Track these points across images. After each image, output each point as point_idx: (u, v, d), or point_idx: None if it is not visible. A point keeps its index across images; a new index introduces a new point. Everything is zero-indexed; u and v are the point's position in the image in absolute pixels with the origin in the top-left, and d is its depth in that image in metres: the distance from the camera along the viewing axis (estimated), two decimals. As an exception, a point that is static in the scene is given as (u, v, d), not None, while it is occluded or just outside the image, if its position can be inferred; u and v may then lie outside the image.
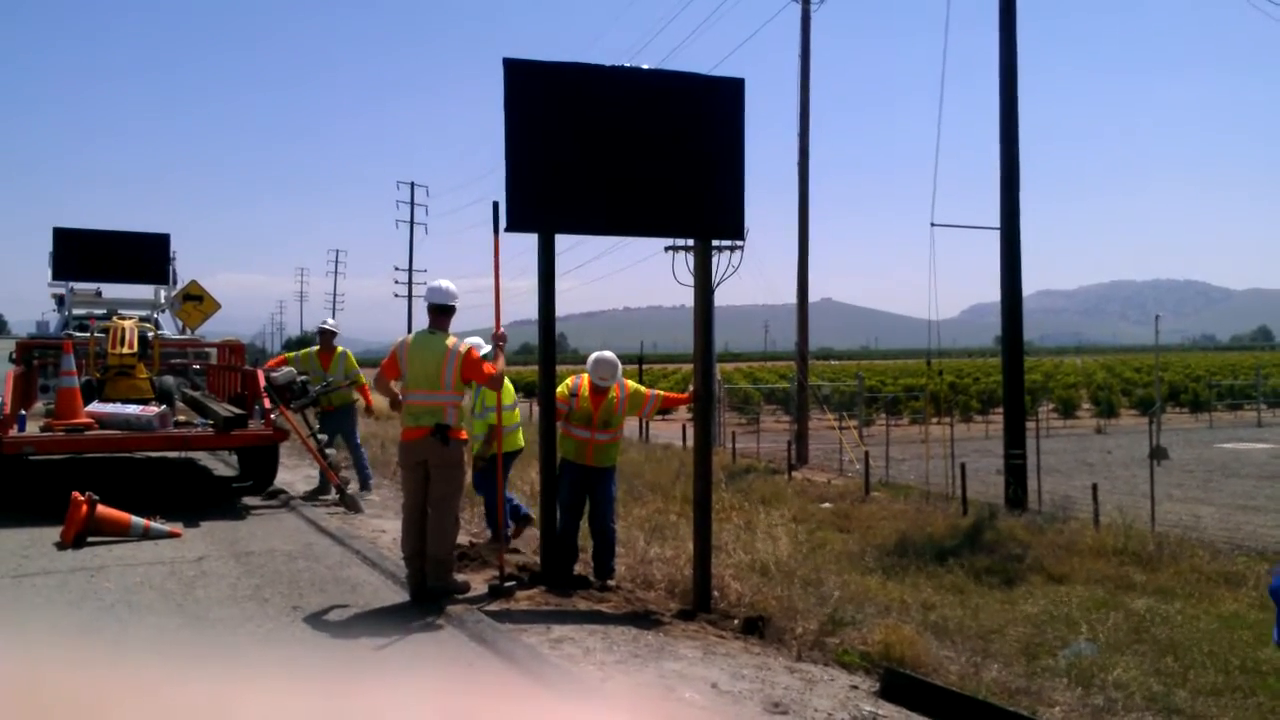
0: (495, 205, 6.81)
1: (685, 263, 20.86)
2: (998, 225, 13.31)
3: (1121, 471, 17.74)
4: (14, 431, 9.94)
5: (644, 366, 34.25)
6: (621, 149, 6.96)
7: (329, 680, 5.53)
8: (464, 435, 7.13)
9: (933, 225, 13.73)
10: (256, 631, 6.15)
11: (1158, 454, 13.21)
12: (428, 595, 6.77)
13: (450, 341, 6.96)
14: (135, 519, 8.90)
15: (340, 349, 12.17)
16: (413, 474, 6.96)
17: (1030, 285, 14.87)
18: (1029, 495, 13.05)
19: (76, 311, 15.71)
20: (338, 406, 11.94)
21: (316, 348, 12.26)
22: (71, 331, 14.25)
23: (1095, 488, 12.10)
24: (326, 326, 12.34)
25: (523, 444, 9.14)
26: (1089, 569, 9.31)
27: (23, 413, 10.50)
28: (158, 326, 15.43)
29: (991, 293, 13.32)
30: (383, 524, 10.10)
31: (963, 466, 13.33)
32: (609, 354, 7.74)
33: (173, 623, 6.30)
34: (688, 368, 38.03)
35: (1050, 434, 24.82)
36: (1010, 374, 13.68)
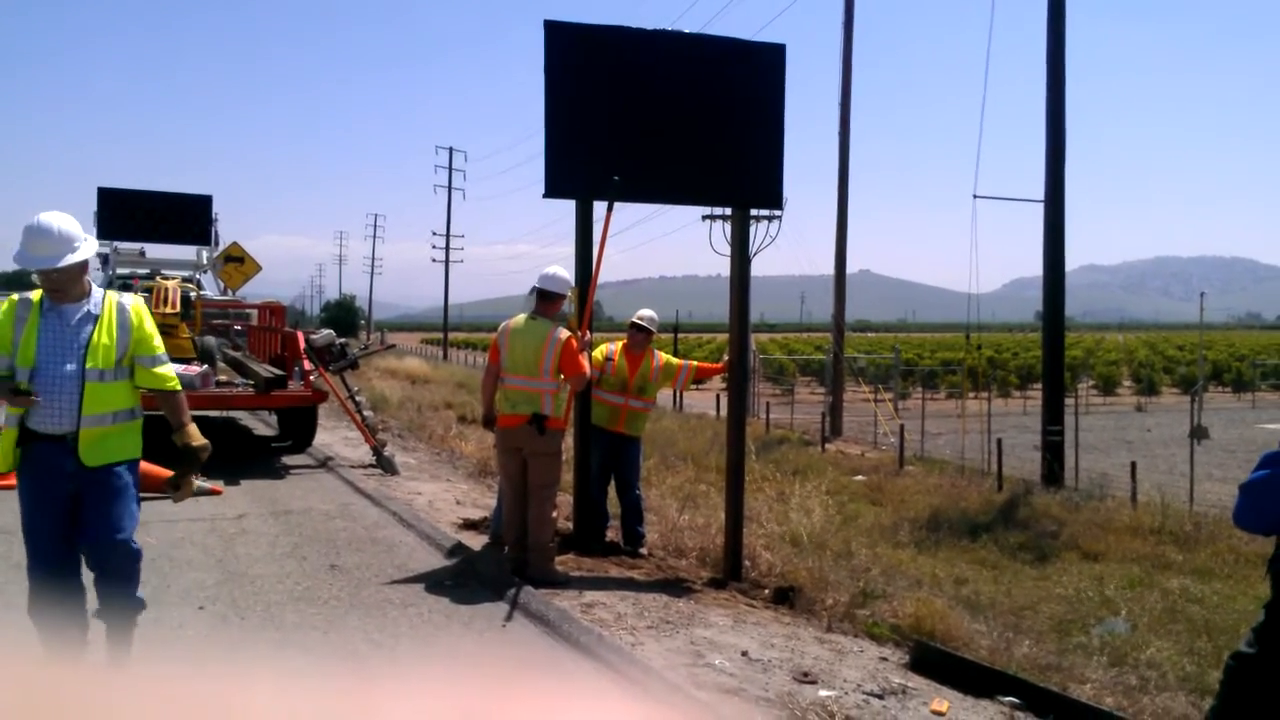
0: (616, 183, 6.59)
1: (722, 232, 20.80)
2: (1042, 198, 13.11)
3: (1161, 450, 17.52)
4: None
5: (679, 335, 34.24)
6: (661, 115, 6.91)
7: (363, 638, 5.61)
8: (562, 425, 6.83)
9: (975, 197, 13.59)
10: (294, 589, 6.26)
11: (1198, 433, 13.02)
12: (531, 583, 6.45)
13: (552, 329, 6.66)
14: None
15: (655, 353, 7.92)
16: (510, 460, 6.79)
17: (1073, 259, 14.67)
18: (1066, 472, 12.93)
19: (120, 271, 15.94)
20: (630, 437, 7.76)
21: (619, 343, 7.91)
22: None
23: (1134, 466, 11.98)
24: (644, 322, 7.87)
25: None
26: (1125, 547, 9.24)
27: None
28: (200, 287, 15.62)
29: (1034, 266, 13.17)
30: (419, 486, 10.22)
31: (999, 442, 13.23)
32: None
33: (212, 578, 6.43)
34: (723, 337, 37.95)
35: (1090, 411, 24.57)
36: (1050, 349, 13.52)
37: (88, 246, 4.24)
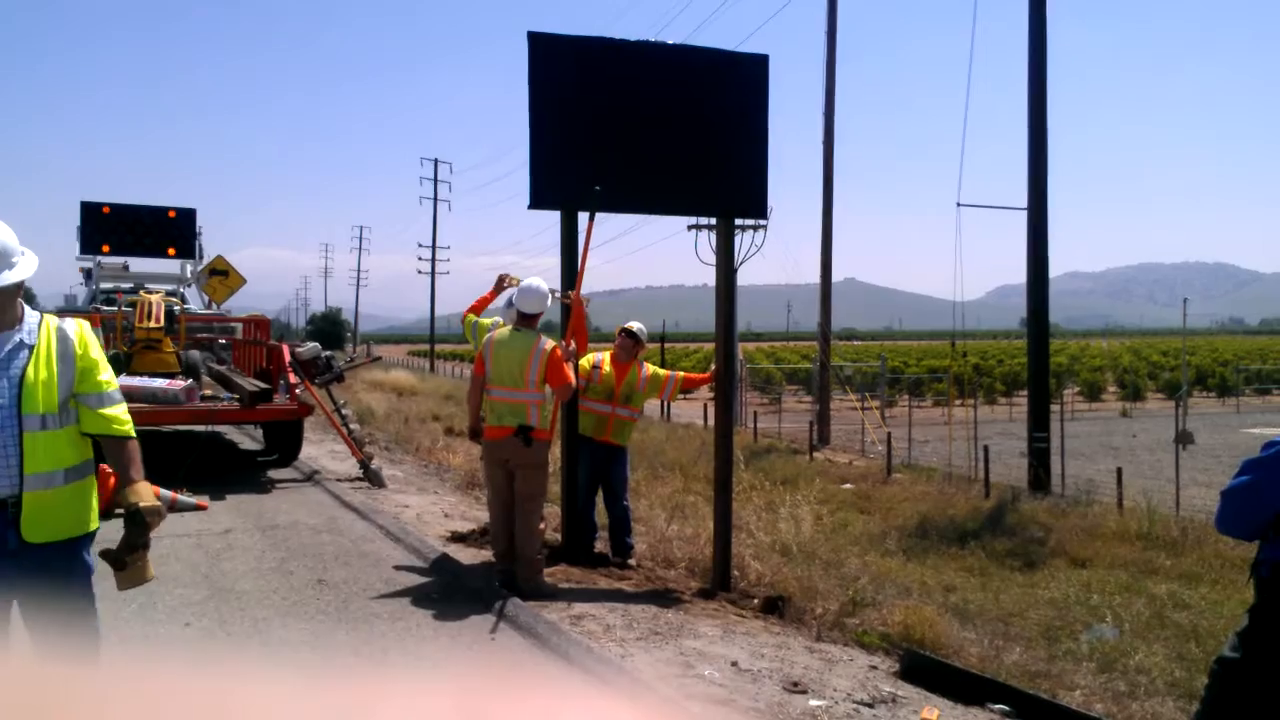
0: (597, 193, 6.64)
1: (708, 242, 20.77)
2: (1025, 206, 13.18)
3: (1146, 456, 17.59)
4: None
5: (666, 345, 34.24)
6: (645, 125, 6.93)
7: (351, 652, 5.58)
8: (548, 436, 6.87)
9: (959, 205, 13.66)
10: (281, 604, 6.22)
11: (1183, 438, 13.09)
12: (520, 595, 6.43)
13: (537, 339, 6.68)
14: (162, 491, 8.99)
15: (643, 364, 8.01)
16: (497, 472, 6.76)
17: (1057, 266, 14.75)
18: (1052, 478, 12.97)
19: (104, 285, 15.87)
20: (617, 446, 7.79)
21: (607, 352, 8.04)
22: (99, 305, 14.39)
23: (1120, 471, 12.01)
24: (633, 328, 8.04)
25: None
26: (1112, 553, 9.26)
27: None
28: (184, 301, 15.56)
29: (1018, 274, 13.23)
30: (406, 499, 10.18)
31: (985, 449, 13.26)
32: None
33: (199, 594, 6.38)
34: (710, 347, 37.94)
35: (1075, 417, 24.66)
36: (1035, 356, 13.58)
37: (27, 262, 3.28)
